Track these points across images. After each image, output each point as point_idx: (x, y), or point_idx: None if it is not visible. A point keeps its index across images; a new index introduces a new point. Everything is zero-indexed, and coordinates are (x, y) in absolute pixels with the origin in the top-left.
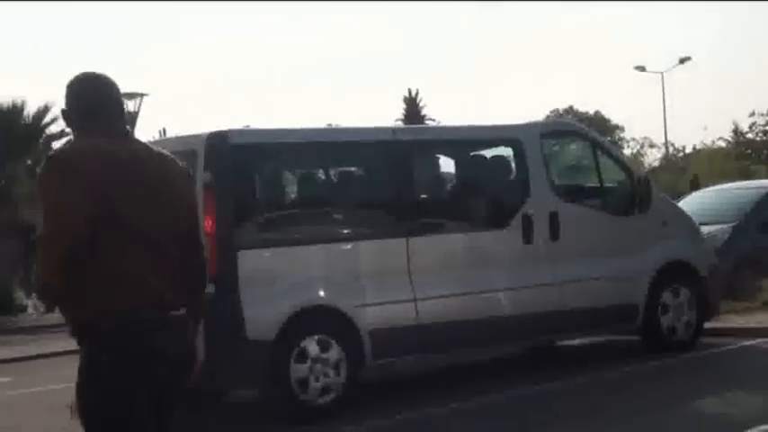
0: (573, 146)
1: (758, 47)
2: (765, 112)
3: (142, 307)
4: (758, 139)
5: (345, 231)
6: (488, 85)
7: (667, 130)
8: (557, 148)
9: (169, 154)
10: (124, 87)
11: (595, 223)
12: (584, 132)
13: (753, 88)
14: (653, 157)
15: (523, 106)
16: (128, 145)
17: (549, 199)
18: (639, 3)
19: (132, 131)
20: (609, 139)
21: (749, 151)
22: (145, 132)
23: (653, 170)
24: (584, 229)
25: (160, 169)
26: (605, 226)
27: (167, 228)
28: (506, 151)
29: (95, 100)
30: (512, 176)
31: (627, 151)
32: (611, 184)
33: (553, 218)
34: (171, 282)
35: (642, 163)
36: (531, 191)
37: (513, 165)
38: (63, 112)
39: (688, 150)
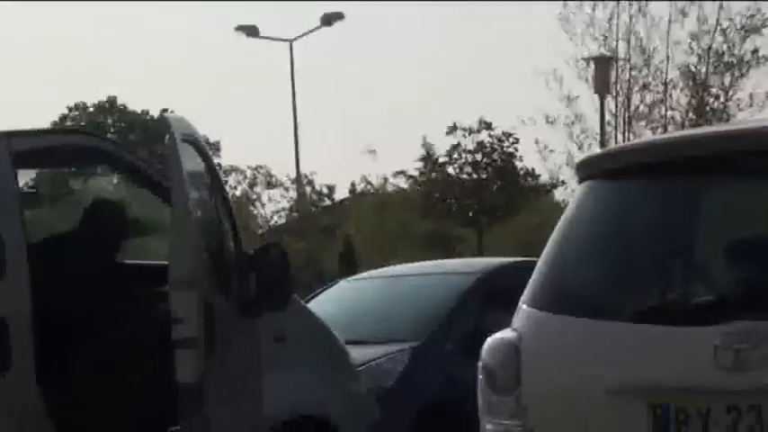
0: (95, 180)
1: None
2: (478, 127)
3: None
4: (465, 175)
5: None
6: None
7: (299, 154)
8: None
9: None
10: None
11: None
12: (113, 150)
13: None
14: (274, 207)
15: None
16: None
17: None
18: None
19: None
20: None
21: (450, 200)
22: None
23: (277, 231)
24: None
25: None
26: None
27: None
28: None
29: None
30: None
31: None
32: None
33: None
34: None
35: (254, 217)
36: (7, 267)
37: None
38: None
39: (340, 195)
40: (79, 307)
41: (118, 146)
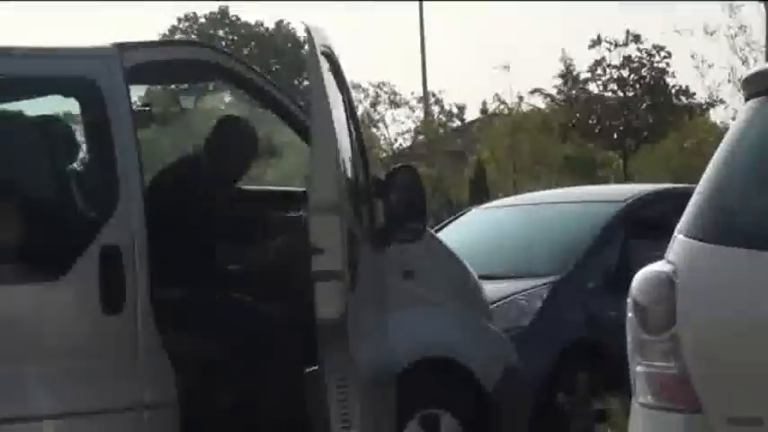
0: (213, 97)
1: None
2: (624, 39)
3: None
4: (609, 93)
5: None
6: None
7: (426, 71)
8: (181, 99)
9: None
10: None
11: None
12: (230, 65)
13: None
14: (398, 128)
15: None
16: None
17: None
18: None
19: None
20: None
21: (592, 120)
22: None
23: (402, 155)
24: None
25: None
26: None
27: None
28: (62, 105)
29: None
30: (75, 162)
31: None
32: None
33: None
34: None
35: (377, 139)
36: (120, 191)
37: (76, 136)
38: None
39: (470, 115)
40: (204, 238)
41: (235, 59)
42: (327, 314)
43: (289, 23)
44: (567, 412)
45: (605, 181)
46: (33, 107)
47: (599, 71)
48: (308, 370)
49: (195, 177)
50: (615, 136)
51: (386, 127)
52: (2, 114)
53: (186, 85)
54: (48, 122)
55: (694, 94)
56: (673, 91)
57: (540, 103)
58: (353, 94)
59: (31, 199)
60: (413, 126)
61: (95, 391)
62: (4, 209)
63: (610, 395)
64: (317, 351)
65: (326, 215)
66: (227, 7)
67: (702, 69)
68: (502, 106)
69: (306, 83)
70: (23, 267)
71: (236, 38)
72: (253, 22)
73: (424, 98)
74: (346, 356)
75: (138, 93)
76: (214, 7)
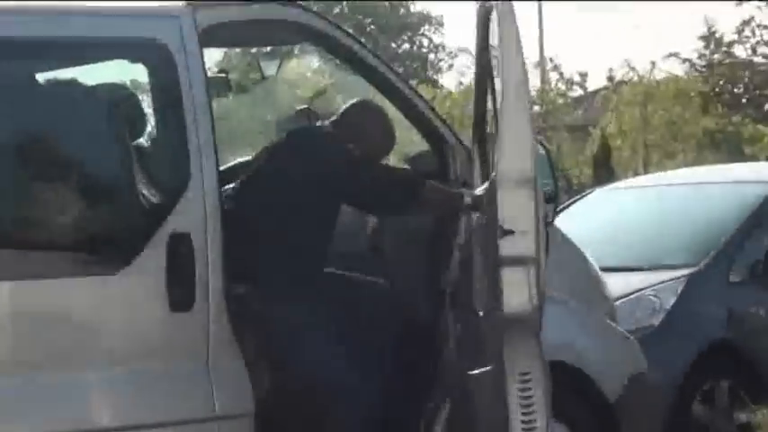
0: (298, 62)
1: None
2: None
3: None
4: (759, 58)
5: None
6: None
7: (543, 31)
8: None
9: None
10: None
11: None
12: (319, 26)
13: None
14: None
15: None
16: None
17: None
18: None
19: None
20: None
21: (737, 88)
22: None
23: None
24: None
25: None
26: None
27: None
28: (128, 72)
29: None
30: (141, 137)
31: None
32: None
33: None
34: None
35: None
36: (192, 170)
37: (144, 108)
38: None
39: (594, 83)
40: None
41: (325, 19)
42: (517, 305)
43: None
44: (704, 426)
45: (754, 159)
46: (95, 74)
47: (747, 32)
48: (474, 372)
49: (321, 152)
50: (766, 107)
51: None
52: (60, 83)
53: (268, 49)
54: (111, 92)
55: None
56: None
57: (676, 68)
58: (465, 59)
59: (90, 180)
60: None
61: (160, 399)
62: (59, 191)
63: (755, 406)
64: (484, 349)
65: (519, 190)
66: None
67: None
68: (631, 73)
69: (405, 46)
70: (81, 258)
71: None
72: None
73: (541, 64)
74: (536, 355)
75: (213, 57)
76: None
